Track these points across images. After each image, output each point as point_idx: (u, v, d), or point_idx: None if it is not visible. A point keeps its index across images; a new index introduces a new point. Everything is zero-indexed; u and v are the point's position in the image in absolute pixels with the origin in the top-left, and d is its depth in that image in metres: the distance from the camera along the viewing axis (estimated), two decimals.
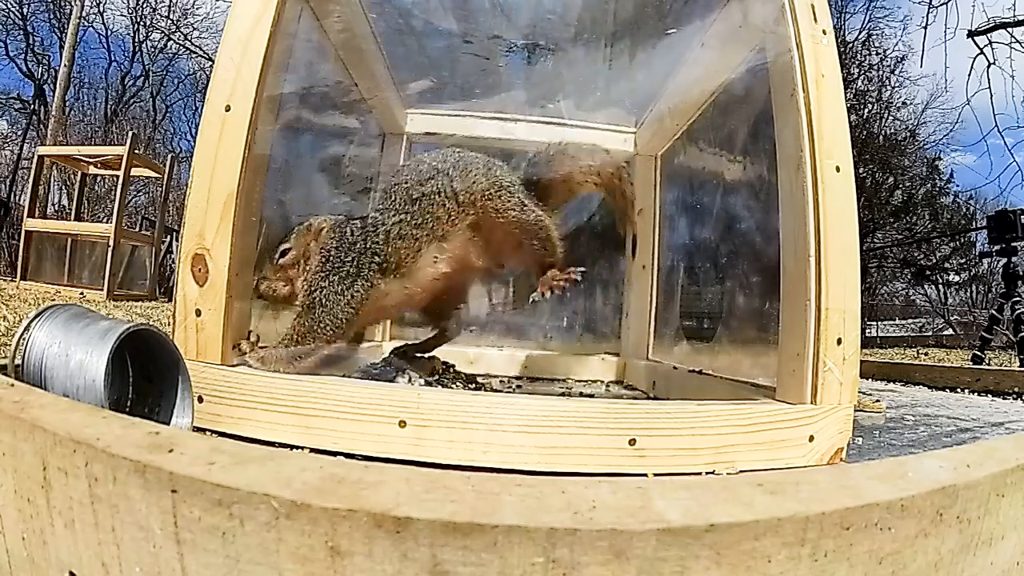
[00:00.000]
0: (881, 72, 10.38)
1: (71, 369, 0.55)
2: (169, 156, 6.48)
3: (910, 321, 10.73)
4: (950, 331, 9.35)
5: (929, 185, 10.56)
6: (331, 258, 0.83)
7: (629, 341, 1.48)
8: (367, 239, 0.84)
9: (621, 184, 1.06)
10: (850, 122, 0.79)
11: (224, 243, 0.73)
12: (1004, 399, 1.41)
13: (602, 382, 1.44)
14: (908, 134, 10.59)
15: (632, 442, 0.66)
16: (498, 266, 0.92)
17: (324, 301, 0.81)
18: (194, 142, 0.78)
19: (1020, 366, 3.21)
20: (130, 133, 4.98)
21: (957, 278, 10.76)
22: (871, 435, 0.92)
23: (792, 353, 0.75)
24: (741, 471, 0.67)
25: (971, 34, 8.76)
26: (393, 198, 0.87)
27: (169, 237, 6.31)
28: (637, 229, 1.35)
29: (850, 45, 10.06)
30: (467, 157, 0.90)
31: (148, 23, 12.97)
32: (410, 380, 0.94)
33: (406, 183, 0.87)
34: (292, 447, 0.67)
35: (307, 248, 0.86)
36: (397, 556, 0.29)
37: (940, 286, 10.69)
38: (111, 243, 4.27)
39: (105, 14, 12.72)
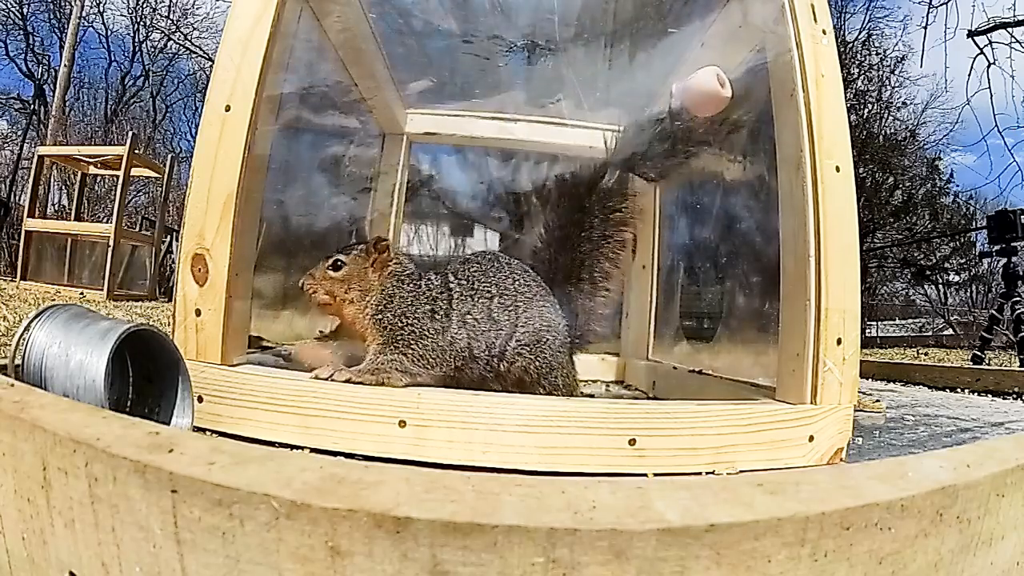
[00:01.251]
0: (881, 72, 10.39)
1: (71, 369, 0.55)
2: (169, 156, 6.49)
3: (910, 321, 10.74)
4: (950, 331, 9.35)
5: (929, 185, 10.57)
6: (415, 310, 0.82)
7: (629, 341, 1.48)
8: (450, 316, 0.84)
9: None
10: (850, 122, 0.79)
11: (224, 243, 0.73)
12: (1004, 399, 1.42)
13: (602, 382, 1.44)
14: (908, 134, 10.60)
15: (632, 442, 0.66)
16: None
17: (411, 343, 0.81)
18: (194, 142, 0.78)
19: (1020, 366, 3.21)
20: (130, 133, 4.99)
21: (957, 278, 10.76)
22: (871, 435, 0.92)
23: (792, 353, 0.75)
24: (741, 471, 0.67)
25: (971, 34, 8.77)
26: (476, 302, 0.86)
27: (169, 237, 6.30)
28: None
29: (850, 45, 10.07)
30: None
31: (148, 23, 12.99)
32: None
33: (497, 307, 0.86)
34: (292, 447, 0.67)
35: (363, 273, 0.84)
36: (397, 556, 0.29)
37: (940, 286, 10.70)
38: (111, 243, 4.27)
39: (105, 14, 12.75)
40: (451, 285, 0.86)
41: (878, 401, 1.24)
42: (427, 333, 0.81)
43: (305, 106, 1.14)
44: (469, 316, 0.84)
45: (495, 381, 0.85)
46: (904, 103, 10.62)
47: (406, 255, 0.89)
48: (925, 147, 10.71)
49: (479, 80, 1.40)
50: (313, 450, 0.66)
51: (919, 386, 1.65)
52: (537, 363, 0.85)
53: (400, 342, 0.80)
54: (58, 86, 10.96)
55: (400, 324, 0.80)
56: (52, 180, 9.57)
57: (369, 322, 0.82)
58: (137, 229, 6.46)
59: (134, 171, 4.70)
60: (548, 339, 0.86)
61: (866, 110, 10.17)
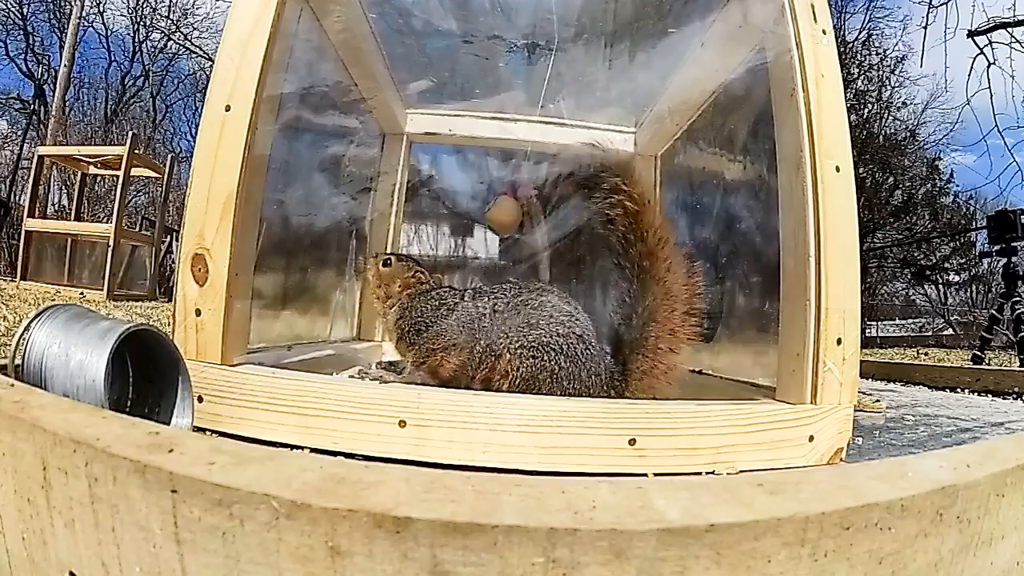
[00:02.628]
0: (881, 72, 10.38)
1: (71, 369, 0.55)
2: (169, 156, 6.47)
3: (910, 321, 10.73)
4: (950, 331, 9.35)
5: (929, 185, 10.56)
6: (423, 312, 0.94)
7: None
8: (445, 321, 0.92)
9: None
10: (850, 122, 0.79)
11: (224, 243, 0.73)
12: (1004, 399, 1.41)
13: None
14: (908, 134, 10.58)
15: (632, 442, 0.66)
16: None
17: (415, 339, 0.93)
18: (194, 142, 0.78)
19: (1020, 366, 3.21)
20: (130, 133, 4.98)
21: (957, 278, 10.75)
22: (871, 435, 0.92)
23: (792, 353, 0.75)
24: (741, 471, 0.67)
25: (971, 34, 8.76)
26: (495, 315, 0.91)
27: (169, 237, 6.30)
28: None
29: (850, 45, 10.05)
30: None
31: (148, 23, 12.97)
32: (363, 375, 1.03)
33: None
34: (292, 447, 0.67)
35: (393, 280, 0.99)
36: (397, 556, 0.29)
37: (940, 286, 10.68)
38: (111, 243, 4.27)
39: (105, 14, 12.73)
40: (466, 293, 0.94)
41: (878, 401, 1.24)
42: (430, 323, 0.92)
43: (305, 106, 1.14)
44: (473, 312, 0.90)
45: (497, 382, 0.85)
46: (904, 103, 10.61)
47: (433, 280, 1.00)
48: (925, 147, 10.70)
49: (479, 80, 1.40)
50: (313, 450, 0.66)
51: (919, 386, 1.65)
52: (534, 367, 0.84)
53: (412, 336, 0.93)
54: (58, 86, 10.95)
55: (411, 326, 0.93)
56: (52, 180, 9.56)
57: (392, 326, 0.97)
58: (137, 229, 6.45)
59: (134, 171, 4.69)
60: (551, 345, 0.85)
61: (866, 110, 10.15)
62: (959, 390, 1.57)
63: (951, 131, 10.31)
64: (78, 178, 5.65)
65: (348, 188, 1.46)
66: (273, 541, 0.31)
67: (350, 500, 0.30)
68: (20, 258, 4.55)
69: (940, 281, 10.59)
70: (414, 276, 0.99)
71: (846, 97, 0.79)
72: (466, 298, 0.93)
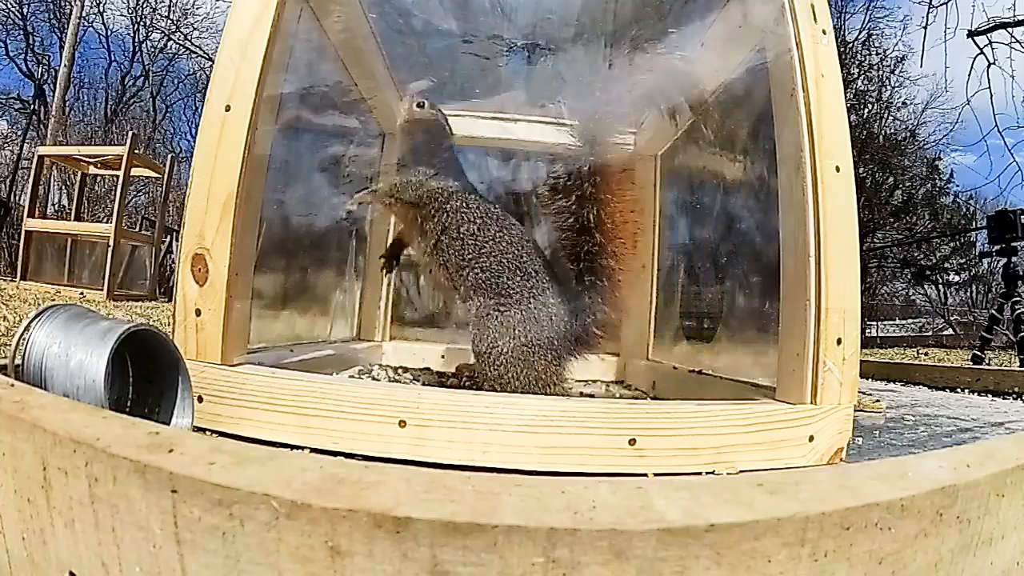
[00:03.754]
0: (881, 72, 10.38)
1: (71, 369, 0.55)
2: (169, 156, 6.46)
3: (910, 321, 10.73)
4: (950, 331, 9.35)
5: (929, 185, 10.55)
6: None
7: (629, 341, 1.48)
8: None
9: None
10: (850, 122, 0.79)
11: (224, 243, 0.73)
12: (1004, 399, 1.41)
13: (602, 382, 1.44)
14: (908, 134, 10.58)
15: (632, 442, 0.66)
16: None
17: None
18: (194, 142, 0.78)
19: (1020, 366, 3.21)
20: (130, 133, 4.97)
21: (957, 278, 10.75)
22: (871, 435, 0.92)
23: (792, 353, 0.75)
24: (741, 471, 0.67)
25: (971, 34, 8.77)
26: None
27: (169, 237, 6.30)
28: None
29: (850, 45, 10.05)
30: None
31: (148, 23, 12.97)
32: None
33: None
34: (292, 447, 0.67)
35: (419, 121, 0.97)
36: (397, 556, 0.29)
37: (940, 286, 10.68)
38: (111, 243, 4.27)
39: (105, 14, 12.73)
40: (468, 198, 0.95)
41: (878, 401, 1.24)
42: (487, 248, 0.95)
43: (305, 106, 1.14)
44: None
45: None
46: (904, 103, 10.60)
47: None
48: (925, 147, 10.69)
49: (479, 80, 1.40)
50: (313, 450, 0.66)
51: (919, 386, 1.65)
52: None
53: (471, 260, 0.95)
54: (58, 86, 10.95)
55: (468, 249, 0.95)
56: (52, 180, 9.56)
57: (433, 239, 0.98)
58: (137, 229, 6.45)
59: (134, 171, 4.69)
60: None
61: (866, 110, 10.15)
62: (959, 390, 1.57)
63: (951, 131, 10.32)
64: (78, 178, 5.65)
65: (348, 188, 1.46)
66: (273, 541, 0.31)
67: (350, 500, 0.30)
68: (20, 258, 4.55)
69: (940, 281, 10.59)
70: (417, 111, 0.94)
71: (846, 97, 0.79)
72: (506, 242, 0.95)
